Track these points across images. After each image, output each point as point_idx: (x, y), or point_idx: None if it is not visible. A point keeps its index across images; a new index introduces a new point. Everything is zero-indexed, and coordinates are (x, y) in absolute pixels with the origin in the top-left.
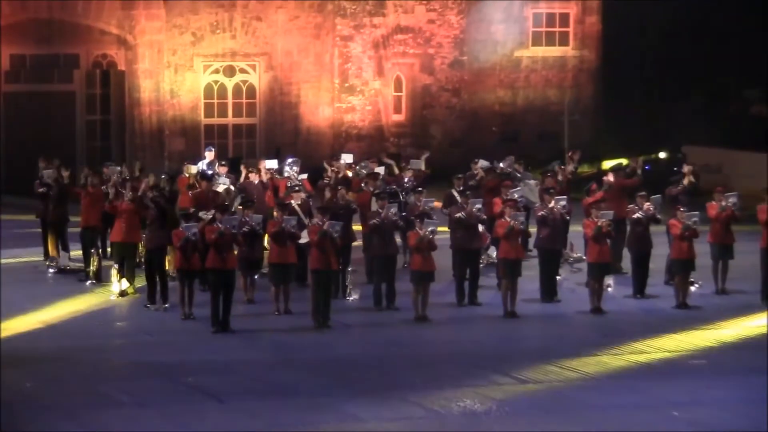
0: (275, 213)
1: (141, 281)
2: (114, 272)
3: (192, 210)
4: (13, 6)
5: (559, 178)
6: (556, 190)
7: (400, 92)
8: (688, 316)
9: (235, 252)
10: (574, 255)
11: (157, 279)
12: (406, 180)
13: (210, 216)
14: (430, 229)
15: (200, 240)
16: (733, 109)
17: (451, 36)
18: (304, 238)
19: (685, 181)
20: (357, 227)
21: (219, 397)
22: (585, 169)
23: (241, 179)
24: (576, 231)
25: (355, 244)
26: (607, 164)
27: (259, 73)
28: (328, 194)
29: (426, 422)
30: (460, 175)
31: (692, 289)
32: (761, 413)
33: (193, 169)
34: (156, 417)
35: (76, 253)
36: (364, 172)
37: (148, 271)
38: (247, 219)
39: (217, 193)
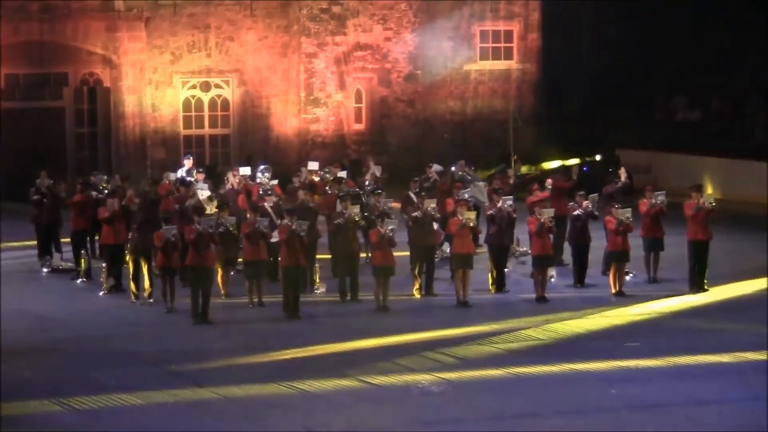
0: (248, 215)
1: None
2: (103, 271)
3: (175, 207)
4: (7, 30)
5: (512, 181)
6: (504, 190)
7: (360, 104)
8: (624, 302)
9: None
10: (520, 249)
11: (141, 276)
12: (367, 183)
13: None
14: (390, 227)
15: (180, 240)
16: (662, 115)
17: (405, 52)
18: (275, 238)
19: (623, 179)
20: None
21: (198, 382)
22: (527, 170)
23: (227, 186)
24: (521, 227)
25: (320, 241)
26: (546, 165)
27: (232, 88)
28: (299, 195)
29: (388, 402)
30: (416, 178)
31: (627, 278)
32: (688, 388)
33: (173, 176)
34: (141, 400)
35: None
36: (329, 176)
37: (133, 269)
38: (223, 220)
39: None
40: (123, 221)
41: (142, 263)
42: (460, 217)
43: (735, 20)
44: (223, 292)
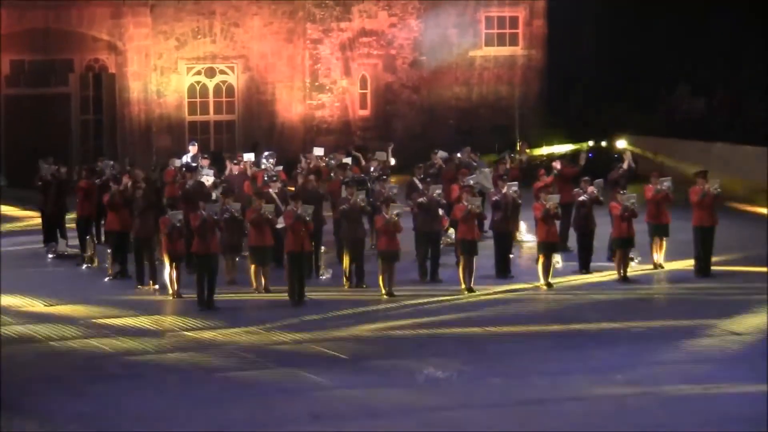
0: (254, 201)
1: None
2: (108, 257)
3: (179, 195)
4: (12, 16)
5: (507, 165)
6: (508, 176)
7: (366, 90)
8: (628, 288)
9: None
10: (525, 235)
11: (146, 263)
12: (372, 169)
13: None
14: (395, 212)
15: (185, 226)
16: (667, 102)
17: (411, 38)
18: (280, 224)
19: (625, 165)
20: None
21: (205, 368)
22: (534, 153)
23: (227, 172)
24: (527, 213)
25: (325, 227)
26: (547, 150)
27: (237, 74)
28: (300, 180)
29: (393, 389)
30: (420, 165)
31: (633, 263)
32: (695, 370)
33: (178, 162)
34: (149, 388)
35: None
36: (334, 162)
37: (137, 255)
38: (228, 207)
39: (201, 183)
40: (128, 207)
41: (144, 250)
42: (466, 204)
43: (738, 12)
44: (228, 278)
